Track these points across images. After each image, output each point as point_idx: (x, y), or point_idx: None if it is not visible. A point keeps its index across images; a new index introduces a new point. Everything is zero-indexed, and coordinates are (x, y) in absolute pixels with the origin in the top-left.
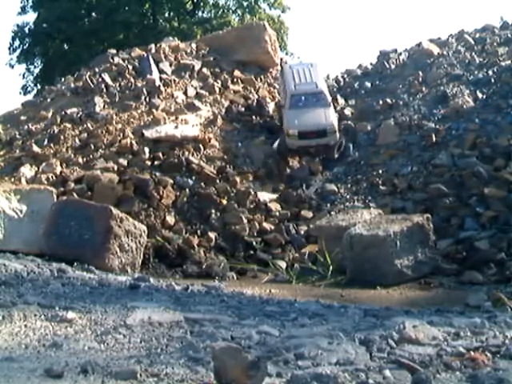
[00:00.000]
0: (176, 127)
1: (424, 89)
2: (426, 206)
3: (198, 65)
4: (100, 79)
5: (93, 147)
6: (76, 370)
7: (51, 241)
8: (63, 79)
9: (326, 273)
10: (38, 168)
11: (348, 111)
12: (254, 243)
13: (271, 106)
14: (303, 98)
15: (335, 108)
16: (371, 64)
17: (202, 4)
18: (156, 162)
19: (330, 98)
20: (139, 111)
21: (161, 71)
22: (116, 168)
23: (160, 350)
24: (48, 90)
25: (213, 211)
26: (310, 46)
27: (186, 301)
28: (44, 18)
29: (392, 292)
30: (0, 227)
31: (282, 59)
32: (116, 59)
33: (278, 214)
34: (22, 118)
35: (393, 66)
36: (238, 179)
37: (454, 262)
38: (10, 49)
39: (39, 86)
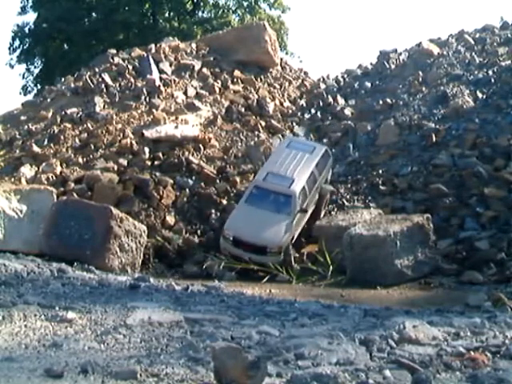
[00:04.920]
0: (176, 127)
1: (424, 89)
2: (426, 206)
3: (197, 65)
4: (100, 79)
5: (93, 147)
6: (76, 370)
7: (51, 241)
8: (63, 79)
9: (326, 273)
10: (38, 168)
11: (348, 111)
12: None
13: (271, 106)
14: (269, 194)
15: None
16: (371, 64)
17: (202, 4)
18: (156, 162)
19: (298, 207)
20: (139, 111)
21: (161, 71)
22: (116, 168)
23: (160, 350)
24: (48, 90)
25: (213, 211)
26: (310, 46)
27: (186, 301)
28: (44, 18)
29: (392, 292)
30: (0, 227)
31: (282, 59)
32: (116, 59)
33: None
34: (22, 118)
35: (393, 66)
36: (237, 179)
37: (454, 262)
38: (10, 49)
39: (39, 86)
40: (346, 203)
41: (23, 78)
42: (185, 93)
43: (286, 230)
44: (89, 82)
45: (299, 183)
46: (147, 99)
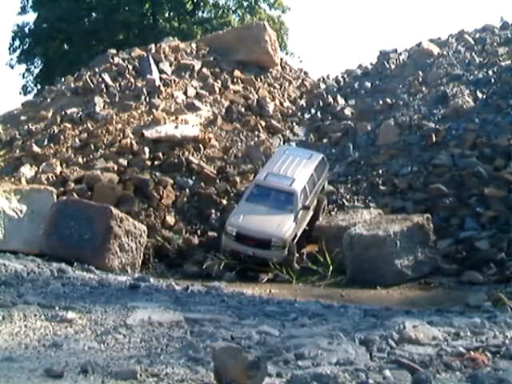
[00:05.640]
0: (176, 127)
1: (424, 89)
2: (426, 206)
3: (198, 65)
4: (100, 79)
5: (93, 147)
6: (76, 369)
7: (51, 241)
8: (63, 79)
9: (326, 273)
10: (38, 168)
11: (348, 111)
12: None
13: (271, 106)
14: (270, 192)
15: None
16: (371, 64)
17: (202, 4)
18: (156, 162)
19: (300, 205)
20: (139, 111)
21: (161, 71)
22: (116, 168)
23: (160, 350)
24: (48, 90)
25: (213, 211)
26: (310, 45)
27: (186, 301)
28: (44, 18)
29: (392, 292)
30: (0, 227)
31: (282, 59)
32: (116, 59)
33: None
34: (22, 118)
35: (393, 66)
36: (237, 179)
37: (454, 262)
38: (10, 49)
39: (39, 86)
40: (346, 203)
41: (23, 77)
42: (185, 93)
43: (290, 225)
44: (89, 81)
45: (300, 183)
46: (147, 99)
